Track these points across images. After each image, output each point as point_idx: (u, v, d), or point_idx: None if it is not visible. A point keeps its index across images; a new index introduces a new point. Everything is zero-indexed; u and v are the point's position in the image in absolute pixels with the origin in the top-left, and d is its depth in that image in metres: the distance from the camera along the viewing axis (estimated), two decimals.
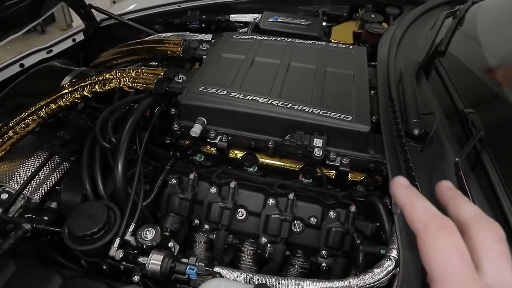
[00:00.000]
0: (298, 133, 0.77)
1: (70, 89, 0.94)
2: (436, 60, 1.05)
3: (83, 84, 0.95)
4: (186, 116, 0.85)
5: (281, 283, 0.61)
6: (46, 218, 0.87)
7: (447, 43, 1.09)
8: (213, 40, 1.21)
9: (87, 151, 0.82)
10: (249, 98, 0.82)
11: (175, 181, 0.85)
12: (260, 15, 1.54)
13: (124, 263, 0.65)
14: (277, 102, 0.81)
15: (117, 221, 0.68)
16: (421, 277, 0.59)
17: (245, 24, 1.56)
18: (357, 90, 0.87)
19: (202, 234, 0.88)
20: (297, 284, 0.60)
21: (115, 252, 0.65)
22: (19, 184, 0.93)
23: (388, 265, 0.61)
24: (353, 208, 0.79)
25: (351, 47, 1.07)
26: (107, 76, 0.94)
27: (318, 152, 0.75)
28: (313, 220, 0.81)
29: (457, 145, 0.78)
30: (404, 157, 0.76)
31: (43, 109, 0.94)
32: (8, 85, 1.15)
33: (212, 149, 0.86)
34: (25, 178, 0.95)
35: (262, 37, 1.07)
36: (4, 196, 0.88)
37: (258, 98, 0.82)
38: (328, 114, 0.78)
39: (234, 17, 1.56)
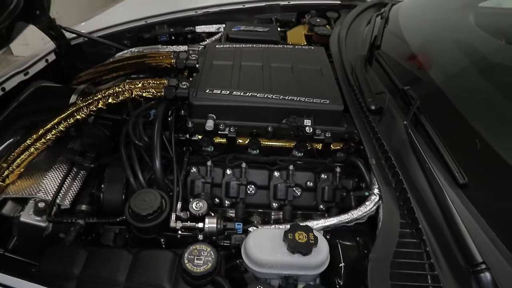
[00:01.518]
0: (292, 117, 1.00)
1: (85, 103, 1.06)
2: (375, 52, 1.36)
3: (96, 98, 1.07)
4: (198, 114, 1.04)
5: (307, 222, 0.84)
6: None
7: (380, 38, 1.41)
8: (195, 51, 1.39)
9: (124, 150, 0.96)
10: (249, 94, 1.03)
11: (195, 169, 1.03)
12: (222, 25, 1.75)
13: (180, 232, 0.83)
14: (271, 95, 1.03)
15: (167, 202, 0.85)
16: (397, 202, 0.87)
17: (210, 34, 1.75)
18: (327, 80, 1.13)
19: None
20: (320, 220, 0.84)
21: (175, 223, 0.82)
22: (47, 194, 1.04)
23: (374, 198, 0.87)
24: (338, 170, 1.04)
25: (312, 47, 1.33)
26: (117, 89, 1.08)
27: (308, 130, 1.00)
28: (309, 184, 1.05)
29: (403, 113, 1.08)
30: (369, 126, 1.04)
31: (62, 124, 1.05)
32: None
33: (222, 139, 1.06)
34: (51, 188, 1.06)
35: (241, 45, 1.29)
36: (41, 205, 0.98)
37: (255, 94, 1.03)
38: (311, 100, 1.03)
39: (199, 28, 1.74)
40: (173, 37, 1.70)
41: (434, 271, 0.73)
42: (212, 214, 0.89)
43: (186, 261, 0.72)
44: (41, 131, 1.05)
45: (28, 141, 1.05)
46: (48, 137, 1.04)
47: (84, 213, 1.03)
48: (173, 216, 0.83)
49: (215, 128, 1.01)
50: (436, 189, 0.85)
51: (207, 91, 1.04)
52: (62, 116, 1.06)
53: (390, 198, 0.86)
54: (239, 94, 1.03)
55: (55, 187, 1.05)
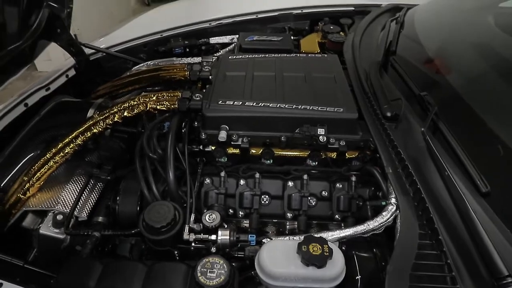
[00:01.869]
0: (305, 126, 0.99)
1: (102, 117, 1.09)
2: (390, 58, 1.33)
3: (112, 112, 1.10)
4: (211, 126, 1.04)
5: (322, 234, 0.82)
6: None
7: (396, 44, 1.38)
8: (209, 62, 1.40)
9: (139, 163, 0.98)
10: (261, 105, 1.03)
11: (209, 180, 1.03)
12: (235, 36, 1.77)
13: (194, 244, 0.82)
14: (284, 105, 1.03)
15: (180, 214, 0.85)
16: (415, 212, 0.84)
17: (223, 45, 1.77)
18: (340, 88, 1.12)
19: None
20: (336, 231, 0.82)
21: (188, 235, 0.82)
22: (66, 206, 1.06)
23: (391, 208, 0.85)
24: (353, 178, 1.02)
25: (326, 55, 1.32)
26: (132, 102, 1.10)
27: (322, 139, 0.98)
28: (324, 193, 1.03)
29: (420, 120, 1.05)
30: (385, 134, 1.01)
31: (80, 137, 1.08)
32: (15, 125, 1.24)
33: (235, 150, 1.06)
34: (69, 200, 1.08)
35: (253, 56, 1.29)
36: (60, 217, 1.01)
37: (268, 104, 1.03)
38: (325, 109, 1.01)
39: (213, 39, 1.77)
40: (187, 49, 1.73)
41: (456, 285, 0.70)
42: (225, 226, 0.89)
43: (199, 274, 0.72)
44: (60, 145, 1.09)
45: (48, 155, 1.08)
46: (66, 151, 1.07)
47: (100, 225, 1.05)
48: (187, 228, 0.83)
49: (228, 139, 1.02)
50: (456, 198, 0.82)
51: (219, 102, 1.05)
52: (79, 130, 1.09)
53: (408, 208, 0.84)
54: (251, 104, 1.03)
55: (73, 199, 1.08)
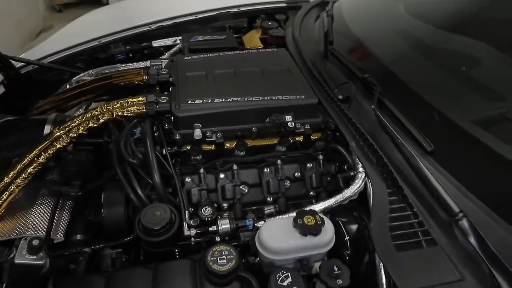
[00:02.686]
0: (274, 115, 1.08)
1: (64, 130, 1.04)
2: (329, 48, 1.48)
3: (74, 124, 1.05)
4: (183, 126, 1.07)
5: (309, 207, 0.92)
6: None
7: (331, 34, 1.54)
8: (159, 65, 1.40)
9: (120, 170, 0.96)
10: (230, 100, 1.09)
11: (189, 179, 1.06)
12: (178, 37, 1.78)
13: (194, 239, 0.86)
14: (251, 97, 1.10)
15: (175, 213, 0.88)
16: (381, 175, 0.98)
17: (167, 47, 1.77)
18: (296, 78, 1.23)
19: None
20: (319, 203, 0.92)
21: (189, 231, 0.85)
22: (37, 230, 1.00)
23: (361, 175, 0.98)
24: (320, 157, 1.14)
25: (275, 49, 1.42)
26: (96, 112, 1.07)
27: (291, 125, 1.08)
28: (297, 175, 1.13)
29: (368, 99, 1.21)
30: (342, 114, 1.15)
31: (42, 155, 1.01)
32: None
33: (210, 146, 1.10)
34: (40, 223, 1.02)
35: (208, 55, 1.33)
36: (36, 242, 0.95)
37: (236, 98, 1.09)
38: (288, 97, 1.11)
39: (155, 42, 1.75)
40: (130, 55, 1.69)
41: (423, 227, 0.85)
42: (219, 217, 0.93)
43: (211, 263, 0.76)
44: (19, 166, 1.01)
45: (6, 179, 0.99)
46: (29, 171, 1.00)
47: (80, 242, 1.01)
48: (185, 225, 0.86)
49: (203, 136, 1.05)
50: (410, 158, 0.98)
51: (189, 102, 1.07)
52: (41, 147, 1.02)
53: (375, 173, 0.98)
54: (220, 100, 1.08)
55: (44, 221, 1.02)
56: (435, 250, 0.82)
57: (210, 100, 1.08)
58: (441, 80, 1.18)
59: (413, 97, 1.12)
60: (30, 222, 1.01)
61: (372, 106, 1.13)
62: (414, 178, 0.96)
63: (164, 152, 1.03)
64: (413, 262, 0.80)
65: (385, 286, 0.79)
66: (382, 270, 0.81)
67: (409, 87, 1.15)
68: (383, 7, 1.65)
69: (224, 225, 0.88)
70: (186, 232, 0.86)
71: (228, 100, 1.09)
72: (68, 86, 1.55)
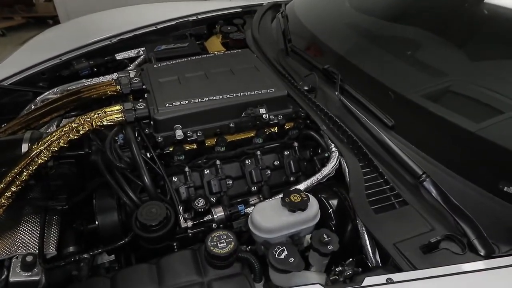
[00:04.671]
0: (249, 109, 1.15)
1: (44, 146, 1.04)
2: (289, 45, 1.59)
3: (53, 138, 1.06)
4: (164, 128, 1.11)
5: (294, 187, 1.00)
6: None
7: (288, 33, 1.65)
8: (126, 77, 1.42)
9: (109, 176, 0.98)
10: (206, 99, 1.15)
11: (175, 178, 1.10)
12: (140, 48, 1.80)
13: (191, 230, 0.90)
14: (225, 95, 1.16)
15: (170, 209, 0.92)
16: (353, 152, 1.08)
17: (131, 59, 1.78)
18: (264, 74, 1.31)
19: None
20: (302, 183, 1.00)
21: (186, 223, 0.89)
22: (28, 247, 0.99)
23: (335, 154, 1.08)
24: (295, 144, 1.23)
25: (240, 51, 1.49)
26: (74, 125, 1.08)
27: (265, 117, 1.16)
28: (276, 163, 1.21)
29: (331, 87, 1.32)
30: (311, 102, 1.25)
31: (24, 172, 1.01)
32: None
33: (192, 145, 1.15)
34: (30, 241, 1.01)
35: (176, 61, 1.38)
36: (30, 258, 0.94)
37: (211, 97, 1.15)
38: (260, 92, 1.19)
39: (119, 55, 1.76)
40: (95, 69, 1.69)
41: (395, 191, 0.96)
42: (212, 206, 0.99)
43: (212, 248, 0.81)
44: (1, 186, 1.00)
45: None
46: (13, 190, 1.00)
47: (72, 254, 1.01)
48: (181, 218, 0.90)
49: (185, 136, 1.10)
50: (375, 134, 1.10)
51: (167, 105, 1.12)
52: (21, 164, 1.02)
53: (347, 151, 1.08)
54: (197, 101, 1.14)
55: (33, 238, 1.01)
56: (407, 209, 0.93)
57: (187, 102, 1.13)
58: (391, 63, 1.32)
59: (370, 81, 1.25)
60: (19, 241, 1.00)
61: (336, 93, 1.24)
62: (381, 150, 1.07)
63: (148, 155, 1.07)
64: (390, 221, 0.90)
65: (369, 246, 0.89)
66: (365, 233, 0.91)
67: (365, 72, 1.28)
68: (331, 5, 1.79)
69: (219, 212, 0.94)
70: (183, 225, 0.90)
71: (204, 99, 1.15)
72: (33, 106, 1.54)
